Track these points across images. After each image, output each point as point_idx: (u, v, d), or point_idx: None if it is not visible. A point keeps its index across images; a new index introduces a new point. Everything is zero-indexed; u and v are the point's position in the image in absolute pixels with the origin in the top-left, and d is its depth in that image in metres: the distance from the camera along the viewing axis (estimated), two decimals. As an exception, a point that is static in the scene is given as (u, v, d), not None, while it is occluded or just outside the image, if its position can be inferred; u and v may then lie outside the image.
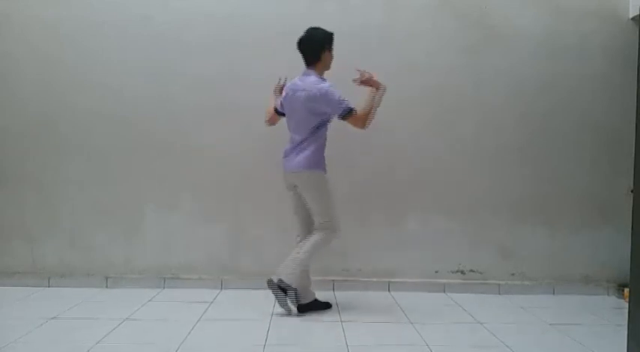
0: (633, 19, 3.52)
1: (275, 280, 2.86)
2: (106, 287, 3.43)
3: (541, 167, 3.57)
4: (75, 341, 2.41)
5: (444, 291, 3.48)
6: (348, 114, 2.75)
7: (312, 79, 2.82)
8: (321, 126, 2.87)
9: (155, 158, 3.49)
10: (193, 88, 3.47)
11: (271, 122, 3.12)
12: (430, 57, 3.51)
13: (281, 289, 2.84)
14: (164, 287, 3.44)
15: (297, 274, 2.83)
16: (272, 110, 3.07)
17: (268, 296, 3.26)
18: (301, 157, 2.82)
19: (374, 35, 3.49)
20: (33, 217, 3.48)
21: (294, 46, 3.30)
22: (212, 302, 3.16)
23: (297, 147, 2.86)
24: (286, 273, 2.84)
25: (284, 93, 2.96)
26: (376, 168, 3.47)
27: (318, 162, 2.85)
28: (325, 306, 3.02)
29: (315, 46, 2.84)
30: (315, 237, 2.86)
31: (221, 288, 3.45)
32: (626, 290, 3.27)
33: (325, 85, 2.77)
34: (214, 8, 3.46)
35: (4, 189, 3.48)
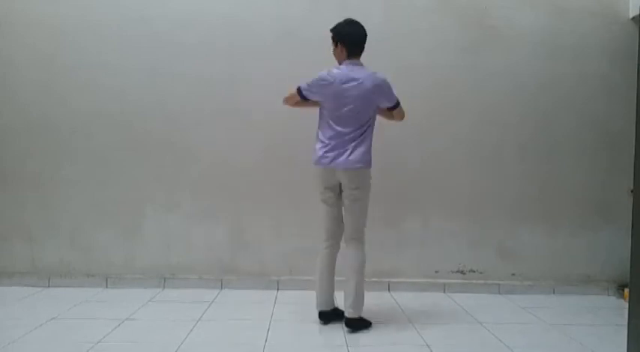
0: (633, 19, 3.52)
1: (352, 317, 2.69)
2: (106, 287, 3.43)
3: (541, 167, 3.57)
4: (75, 341, 2.41)
5: (444, 291, 3.48)
6: (398, 105, 2.78)
7: (365, 69, 2.71)
8: (374, 118, 2.74)
9: (155, 158, 3.48)
10: (193, 88, 3.46)
11: (292, 105, 2.81)
12: (430, 57, 3.51)
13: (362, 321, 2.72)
14: (164, 287, 3.44)
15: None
16: (295, 94, 2.74)
17: (268, 296, 3.27)
18: (359, 153, 2.62)
19: (374, 35, 3.46)
20: (33, 217, 3.48)
21: (294, 46, 3.31)
22: (212, 302, 3.16)
23: (351, 141, 2.63)
24: (358, 309, 2.69)
25: (325, 82, 2.66)
26: (376, 168, 3.46)
27: (371, 159, 2.70)
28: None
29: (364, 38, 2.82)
30: (361, 256, 2.72)
31: (221, 288, 3.45)
32: (626, 290, 3.27)
33: (383, 75, 2.72)
34: (214, 9, 3.46)
35: (4, 189, 3.48)
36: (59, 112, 3.47)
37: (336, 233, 2.78)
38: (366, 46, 3.44)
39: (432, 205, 3.53)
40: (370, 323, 2.75)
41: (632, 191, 1.65)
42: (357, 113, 2.64)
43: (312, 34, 3.30)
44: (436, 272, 3.53)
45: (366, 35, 2.79)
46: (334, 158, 2.64)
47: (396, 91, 2.76)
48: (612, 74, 3.55)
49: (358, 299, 2.68)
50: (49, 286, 3.43)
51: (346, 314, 2.68)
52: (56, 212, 3.48)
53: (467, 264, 3.55)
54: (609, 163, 3.57)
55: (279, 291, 3.40)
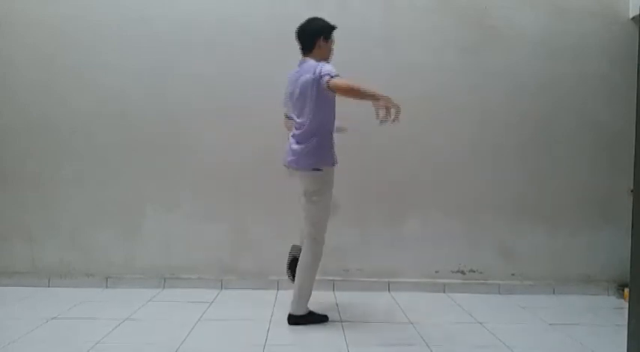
0: (633, 19, 3.53)
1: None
2: (106, 287, 3.43)
3: (541, 167, 3.57)
4: (75, 341, 2.41)
5: (444, 291, 3.48)
6: (325, 77, 2.47)
7: (311, 62, 2.64)
8: (328, 113, 2.69)
9: (155, 158, 3.49)
10: (193, 88, 3.47)
11: (288, 127, 2.86)
12: (430, 57, 3.51)
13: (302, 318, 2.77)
14: (164, 287, 3.44)
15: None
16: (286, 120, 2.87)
17: (268, 296, 3.28)
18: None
19: (374, 35, 3.49)
20: (33, 217, 3.48)
21: (293, 46, 3.30)
22: (212, 302, 3.16)
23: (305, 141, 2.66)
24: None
25: (285, 91, 2.79)
26: (376, 168, 3.47)
27: (329, 160, 2.71)
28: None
29: (308, 34, 2.73)
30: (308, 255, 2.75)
31: (221, 288, 3.45)
32: (626, 290, 3.27)
33: (322, 63, 2.59)
34: (214, 9, 3.46)
35: (4, 189, 3.48)
36: (59, 112, 3.47)
37: None
38: (366, 46, 3.46)
39: (431, 205, 3.53)
40: (323, 317, 2.79)
41: (632, 191, 1.65)
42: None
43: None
44: (436, 272, 3.53)
45: (301, 29, 2.77)
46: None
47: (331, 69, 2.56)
48: (612, 74, 3.55)
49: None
50: (49, 286, 3.43)
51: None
52: (56, 212, 3.48)
53: (467, 264, 3.55)
54: (609, 163, 3.57)
55: (279, 291, 3.39)
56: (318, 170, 2.62)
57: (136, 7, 3.46)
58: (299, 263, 2.73)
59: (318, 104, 2.59)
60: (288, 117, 2.87)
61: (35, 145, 3.47)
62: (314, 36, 2.74)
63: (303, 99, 2.65)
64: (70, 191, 3.48)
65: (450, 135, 3.53)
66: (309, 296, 2.74)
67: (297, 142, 2.66)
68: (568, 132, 3.58)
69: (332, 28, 2.80)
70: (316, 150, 2.62)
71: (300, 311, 2.73)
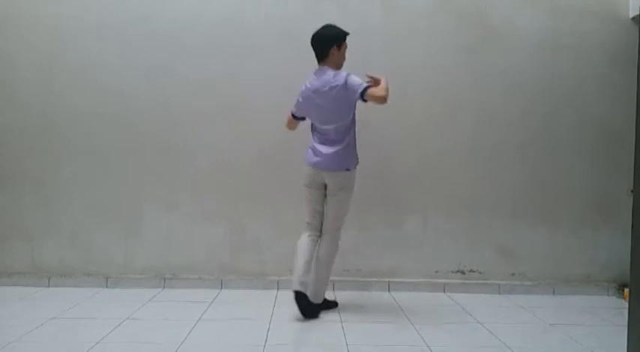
0: (633, 19, 3.52)
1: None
2: (106, 287, 3.43)
3: (541, 167, 3.57)
4: (75, 341, 2.41)
5: (444, 291, 3.48)
6: (365, 91, 2.68)
7: (331, 71, 2.81)
8: (354, 118, 2.88)
9: (155, 158, 3.49)
10: (193, 88, 3.47)
11: (291, 128, 3.06)
12: (430, 57, 3.51)
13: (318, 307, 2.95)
14: (164, 287, 3.44)
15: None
16: (290, 117, 3.01)
17: (268, 296, 3.27)
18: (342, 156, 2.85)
19: (373, 35, 3.49)
20: (33, 217, 3.48)
21: (293, 46, 3.31)
22: (212, 302, 3.16)
23: (335, 144, 2.83)
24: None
25: (300, 98, 2.89)
26: (376, 168, 3.46)
27: (355, 160, 2.91)
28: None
29: (323, 42, 2.83)
30: (333, 247, 2.93)
31: (221, 288, 3.45)
32: (626, 290, 3.27)
33: (344, 73, 2.79)
34: (214, 9, 3.46)
35: (4, 189, 3.48)
36: (59, 112, 3.47)
37: (318, 225, 2.99)
38: (366, 46, 3.46)
39: (431, 205, 3.53)
40: (334, 304, 3.05)
41: (632, 191, 1.65)
42: (339, 116, 2.84)
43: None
44: (436, 272, 3.53)
45: (316, 37, 2.85)
46: (320, 160, 2.86)
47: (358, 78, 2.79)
48: (612, 74, 3.55)
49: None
50: (49, 286, 3.43)
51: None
52: (56, 212, 3.48)
53: (467, 264, 3.55)
54: (609, 163, 3.56)
55: (279, 291, 3.39)
56: (349, 170, 2.85)
57: (136, 7, 3.46)
58: (324, 255, 2.90)
59: (351, 111, 2.82)
60: (295, 118, 2.99)
61: (35, 145, 3.47)
62: (329, 45, 2.84)
63: (330, 108, 2.79)
64: (70, 191, 3.48)
65: (449, 135, 3.53)
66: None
67: (328, 146, 2.83)
68: (568, 132, 3.57)
69: (345, 34, 2.88)
70: (348, 151, 2.85)
71: (320, 300, 2.90)
